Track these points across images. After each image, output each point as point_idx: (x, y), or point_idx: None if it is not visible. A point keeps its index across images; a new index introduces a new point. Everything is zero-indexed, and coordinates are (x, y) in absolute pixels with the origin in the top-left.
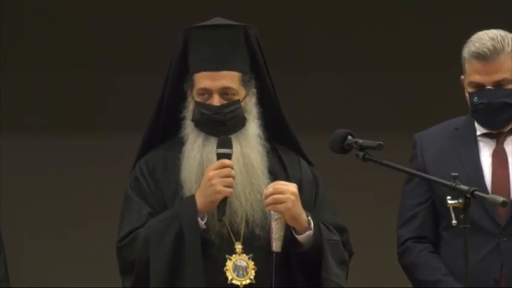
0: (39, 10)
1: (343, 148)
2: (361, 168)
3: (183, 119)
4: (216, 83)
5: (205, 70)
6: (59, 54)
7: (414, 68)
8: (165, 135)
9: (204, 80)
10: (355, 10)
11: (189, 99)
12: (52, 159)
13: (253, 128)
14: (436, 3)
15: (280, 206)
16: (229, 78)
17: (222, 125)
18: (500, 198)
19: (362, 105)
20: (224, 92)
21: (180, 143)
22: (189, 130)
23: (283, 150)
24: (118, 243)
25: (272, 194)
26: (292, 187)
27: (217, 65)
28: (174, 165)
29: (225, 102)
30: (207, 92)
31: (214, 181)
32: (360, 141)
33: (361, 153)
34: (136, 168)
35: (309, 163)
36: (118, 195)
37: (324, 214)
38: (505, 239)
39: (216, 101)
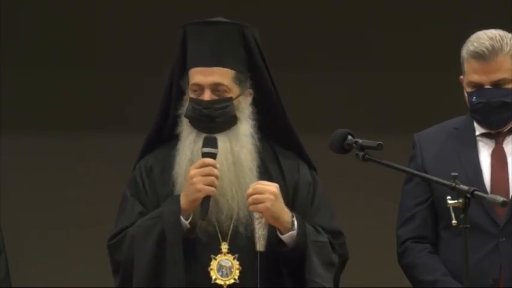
0: (40, 9)
1: (343, 148)
2: (361, 168)
3: (179, 116)
4: (207, 78)
5: (198, 65)
6: (59, 54)
7: (414, 68)
8: (169, 135)
9: (196, 75)
10: (355, 10)
11: (186, 96)
12: (52, 159)
13: (245, 127)
14: (436, 4)
15: (259, 206)
16: (221, 75)
17: (211, 120)
18: (501, 198)
19: (362, 105)
20: (215, 88)
21: (177, 142)
22: (184, 127)
23: (284, 155)
24: (108, 241)
25: (252, 194)
26: (272, 187)
27: (210, 60)
28: (169, 165)
29: (216, 98)
30: (199, 88)
31: (195, 179)
32: (360, 141)
33: (361, 153)
34: (136, 169)
35: (312, 168)
36: (119, 196)
37: (320, 217)
38: (504, 239)
39: (207, 96)
